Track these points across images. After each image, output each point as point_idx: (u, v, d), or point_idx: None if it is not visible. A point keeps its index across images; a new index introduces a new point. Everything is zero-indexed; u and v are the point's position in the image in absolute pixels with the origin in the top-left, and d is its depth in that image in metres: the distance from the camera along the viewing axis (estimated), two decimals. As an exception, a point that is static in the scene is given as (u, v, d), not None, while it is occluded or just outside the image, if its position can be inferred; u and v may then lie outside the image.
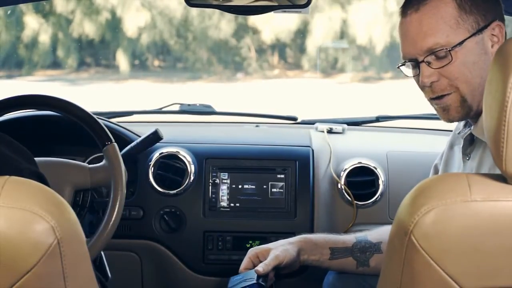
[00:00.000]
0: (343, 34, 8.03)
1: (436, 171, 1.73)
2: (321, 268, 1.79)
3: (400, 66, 1.56)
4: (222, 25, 8.22)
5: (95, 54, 9.01)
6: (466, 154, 1.55)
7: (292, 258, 1.71)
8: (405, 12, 1.51)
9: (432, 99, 1.52)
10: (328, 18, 7.82)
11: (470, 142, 1.54)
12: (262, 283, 1.65)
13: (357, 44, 7.88)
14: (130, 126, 2.30)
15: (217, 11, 1.70)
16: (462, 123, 1.60)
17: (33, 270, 0.98)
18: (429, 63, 1.48)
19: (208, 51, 8.73)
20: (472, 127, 1.53)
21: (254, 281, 1.65)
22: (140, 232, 2.19)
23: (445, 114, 1.51)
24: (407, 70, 1.56)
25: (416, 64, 1.51)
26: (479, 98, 1.46)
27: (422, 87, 1.53)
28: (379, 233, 1.79)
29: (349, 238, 1.79)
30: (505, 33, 1.50)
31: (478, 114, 1.50)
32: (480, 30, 1.47)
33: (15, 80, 7.69)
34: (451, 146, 1.67)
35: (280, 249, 1.71)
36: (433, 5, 1.47)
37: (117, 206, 1.72)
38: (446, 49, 1.46)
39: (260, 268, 1.67)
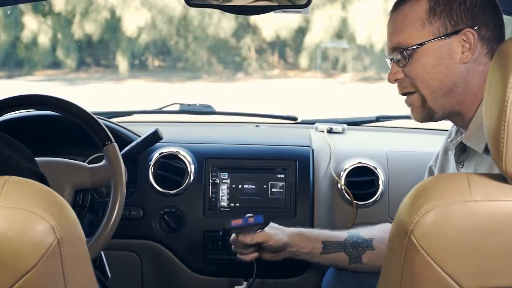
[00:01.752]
0: (343, 34, 8.03)
1: (431, 173, 1.73)
2: (312, 262, 1.81)
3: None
4: (222, 24, 8.22)
5: (94, 54, 9.01)
6: (459, 162, 1.55)
7: (278, 244, 1.75)
8: (390, 12, 1.56)
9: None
10: (328, 17, 7.81)
11: (462, 151, 1.54)
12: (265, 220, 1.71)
13: (357, 44, 7.87)
14: (130, 126, 2.30)
15: (217, 10, 1.70)
16: (454, 129, 1.60)
17: (33, 270, 0.98)
18: (398, 61, 1.52)
19: (208, 51, 8.73)
20: (462, 135, 1.53)
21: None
22: (140, 232, 2.19)
23: (411, 112, 1.56)
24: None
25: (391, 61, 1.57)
26: (442, 101, 1.50)
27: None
28: (372, 230, 1.81)
29: (342, 233, 1.81)
30: (495, 35, 1.49)
31: (453, 114, 1.52)
32: (447, 35, 1.47)
33: (15, 80, 7.68)
34: (445, 152, 1.67)
35: (272, 231, 1.76)
36: (408, 5, 1.51)
37: (117, 206, 1.72)
38: (404, 48, 1.49)
39: (244, 238, 1.72)
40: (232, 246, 1.79)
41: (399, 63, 1.52)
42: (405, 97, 1.56)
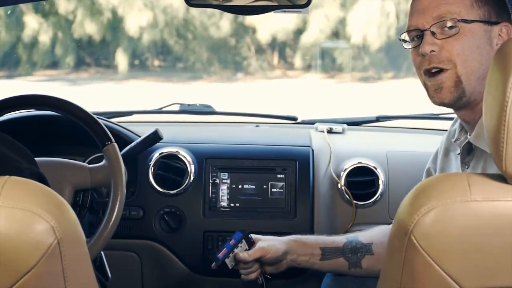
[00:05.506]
0: (343, 34, 8.03)
1: (429, 176, 1.72)
2: (312, 269, 1.80)
3: (402, 34, 1.55)
4: (222, 24, 8.23)
5: (95, 54, 9.01)
6: (464, 162, 1.53)
7: (277, 255, 1.74)
8: None
9: (426, 77, 1.50)
10: (326, 17, 7.81)
11: (469, 151, 1.52)
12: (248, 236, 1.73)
13: (357, 44, 7.88)
14: (130, 126, 2.30)
15: (217, 11, 1.70)
16: (457, 129, 1.58)
17: (33, 270, 0.98)
18: (433, 34, 1.47)
19: (208, 51, 8.72)
20: (469, 135, 1.52)
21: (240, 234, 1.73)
22: (140, 232, 2.19)
23: (437, 93, 1.49)
24: (407, 43, 1.55)
25: (419, 35, 1.50)
26: (474, 85, 1.46)
27: (419, 60, 1.50)
28: (370, 234, 1.79)
29: (340, 238, 1.80)
30: None
31: (470, 104, 1.49)
32: (491, 23, 1.47)
33: (15, 80, 7.68)
34: (446, 153, 1.64)
35: (267, 243, 1.75)
36: None
37: (117, 206, 1.72)
38: (456, 19, 1.46)
39: (241, 254, 1.71)
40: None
41: (436, 36, 1.47)
42: (430, 78, 1.49)
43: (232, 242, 1.72)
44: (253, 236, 1.78)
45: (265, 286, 1.81)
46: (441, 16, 1.47)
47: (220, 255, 1.71)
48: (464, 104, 1.50)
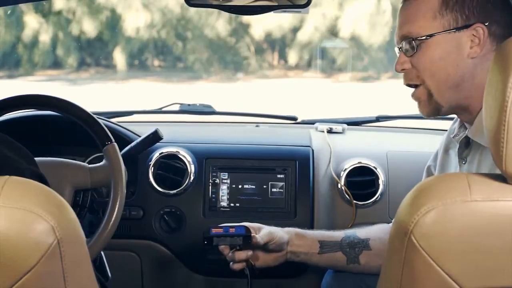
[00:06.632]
0: (342, 33, 8.03)
1: (429, 174, 1.73)
2: (310, 263, 1.80)
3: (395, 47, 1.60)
4: (222, 24, 8.23)
5: (95, 54, 9.01)
6: (462, 158, 1.54)
7: (282, 241, 1.74)
8: (403, 0, 1.55)
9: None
10: (323, 16, 7.81)
11: (466, 145, 1.53)
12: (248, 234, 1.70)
13: (356, 44, 7.88)
14: (130, 126, 2.30)
15: (216, 10, 1.70)
16: (457, 126, 1.59)
17: (33, 270, 0.98)
18: (406, 51, 1.52)
19: (208, 51, 8.72)
20: (467, 130, 1.53)
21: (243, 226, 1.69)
22: (140, 232, 2.19)
23: (418, 107, 1.56)
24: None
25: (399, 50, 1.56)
26: (448, 96, 1.49)
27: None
28: (368, 231, 1.81)
29: (338, 233, 1.81)
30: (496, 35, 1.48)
31: (461, 108, 1.51)
32: (457, 29, 1.47)
33: (15, 80, 7.68)
34: (446, 150, 1.66)
35: (273, 229, 1.76)
36: None
37: (117, 206, 1.72)
38: (413, 38, 1.49)
39: (258, 237, 1.70)
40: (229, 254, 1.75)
41: (407, 53, 1.51)
42: (412, 90, 1.55)
43: (232, 230, 1.70)
44: (255, 224, 1.77)
45: (250, 278, 1.79)
46: (405, 36, 1.52)
47: (213, 231, 1.69)
48: (448, 112, 1.54)
